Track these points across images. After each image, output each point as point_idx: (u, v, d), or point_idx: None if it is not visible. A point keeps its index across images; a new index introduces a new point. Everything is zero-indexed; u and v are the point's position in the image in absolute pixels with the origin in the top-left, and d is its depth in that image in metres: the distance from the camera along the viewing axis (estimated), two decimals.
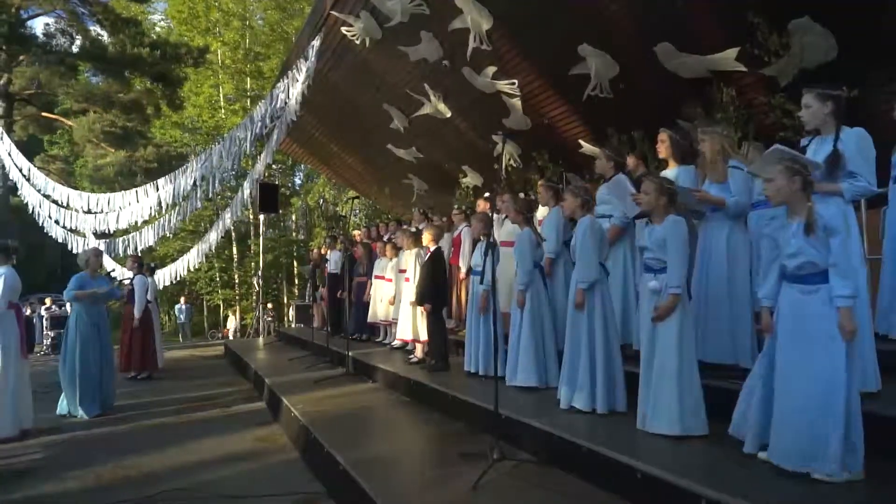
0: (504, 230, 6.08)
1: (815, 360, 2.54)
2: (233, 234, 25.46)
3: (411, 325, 6.55)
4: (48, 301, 16.81)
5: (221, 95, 27.76)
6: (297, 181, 31.11)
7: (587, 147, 8.83)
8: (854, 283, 2.53)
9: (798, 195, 2.65)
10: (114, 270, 13.40)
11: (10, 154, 14.79)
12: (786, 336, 2.65)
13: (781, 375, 2.66)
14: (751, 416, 2.84)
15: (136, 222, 12.65)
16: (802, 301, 2.61)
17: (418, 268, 6.38)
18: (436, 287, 5.94)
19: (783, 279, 2.74)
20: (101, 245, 13.39)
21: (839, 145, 3.13)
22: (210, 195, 12.54)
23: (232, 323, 24.92)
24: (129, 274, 8.33)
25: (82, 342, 6.03)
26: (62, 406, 6.04)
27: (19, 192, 14.95)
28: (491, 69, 8.81)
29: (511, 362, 4.79)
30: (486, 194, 7.44)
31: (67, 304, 7.82)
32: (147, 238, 12.80)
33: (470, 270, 5.94)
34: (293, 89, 10.09)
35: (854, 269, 2.52)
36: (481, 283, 5.30)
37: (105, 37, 20.55)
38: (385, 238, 8.71)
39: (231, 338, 22.36)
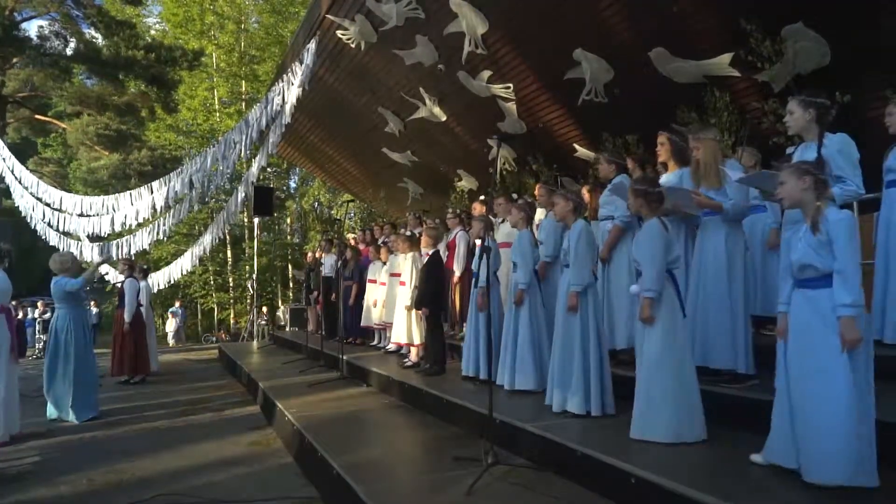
0: (502, 232, 6.06)
1: (816, 367, 2.47)
2: (227, 237, 25.36)
3: (406, 329, 6.53)
4: (40, 304, 16.70)
5: (216, 98, 27.74)
6: (293, 184, 31.10)
7: (582, 151, 8.86)
8: (859, 291, 2.41)
9: (808, 195, 2.59)
10: (107, 274, 13.36)
11: (2, 157, 14.72)
12: (794, 342, 2.61)
13: (793, 383, 2.59)
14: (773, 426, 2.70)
15: (130, 225, 12.60)
16: (807, 306, 2.56)
17: (414, 272, 6.36)
18: (434, 291, 5.93)
19: (795, 284, 2.66)
20: (94, 248, 13.34)
21: (823, 151, 3.15)
22: (205, 198, 12.52)
23: (172, 325, 22.23)
24: (122, 277, 8.28)
25: (77, 345, 5.95)
26: (51, 410, 5.97)
27: (12, 195, 14.88)
28: (486, 73, 8.84)
29: (508, 365, 4.71)
30: (482, 197, 7.44)
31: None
32: (141, 241, 12.75)
33: (469, 274, 5.91)
34: (289, 92, 10.09)
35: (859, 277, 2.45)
36: (475, 286, 5.30)
37: (99, 39, 20.55)
38: (379, 241, 8.69)
39: (172, 343, 20.67)
